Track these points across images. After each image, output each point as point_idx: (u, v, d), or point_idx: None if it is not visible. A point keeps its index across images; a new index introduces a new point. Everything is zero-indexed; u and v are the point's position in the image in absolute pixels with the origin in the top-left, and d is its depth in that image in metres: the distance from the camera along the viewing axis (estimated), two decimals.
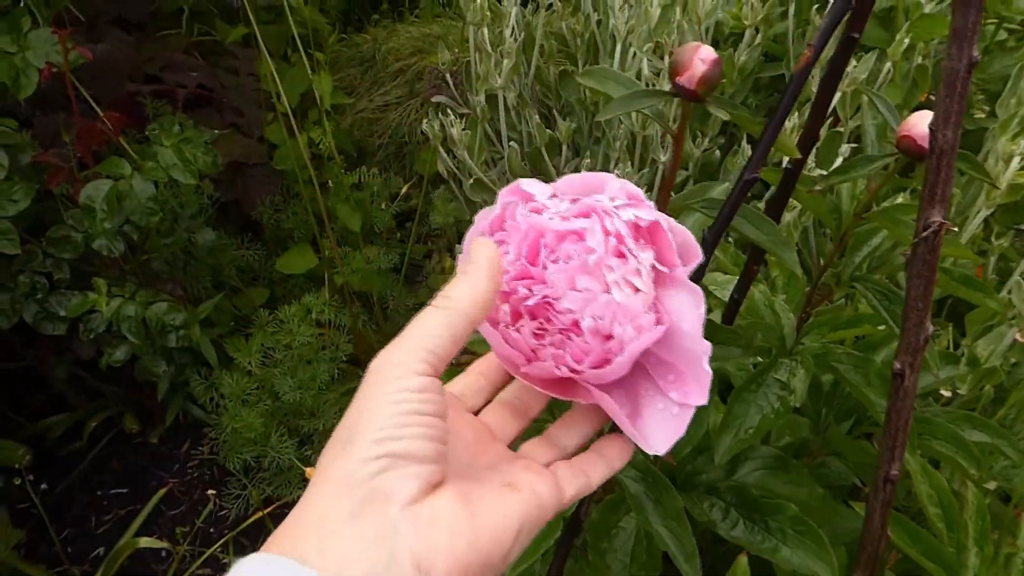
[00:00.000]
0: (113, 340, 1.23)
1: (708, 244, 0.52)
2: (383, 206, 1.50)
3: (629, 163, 1.30)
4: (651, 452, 0.36)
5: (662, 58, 1.26)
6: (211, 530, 1.31)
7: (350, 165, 1.57)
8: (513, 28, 1.33)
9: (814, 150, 1.10)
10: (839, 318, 0.75)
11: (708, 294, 0.76)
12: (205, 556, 1.22)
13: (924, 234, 0.45)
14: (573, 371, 0.35)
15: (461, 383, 0.39)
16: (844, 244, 0.66)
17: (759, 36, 1.28)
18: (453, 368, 0.35)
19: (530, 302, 0.34)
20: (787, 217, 1.07)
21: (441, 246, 1.68)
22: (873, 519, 0.54)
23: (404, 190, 1.62)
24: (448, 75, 1.51)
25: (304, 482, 1.27)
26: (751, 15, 1.24)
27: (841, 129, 1.15)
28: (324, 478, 0.29)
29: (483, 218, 0.37)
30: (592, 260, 0.33)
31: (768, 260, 0.85)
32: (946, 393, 0.87)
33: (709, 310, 0.68)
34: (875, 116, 0.65)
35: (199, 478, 1.39)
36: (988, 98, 1.33)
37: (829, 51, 0.61)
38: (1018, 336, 0.88)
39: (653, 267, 0.35)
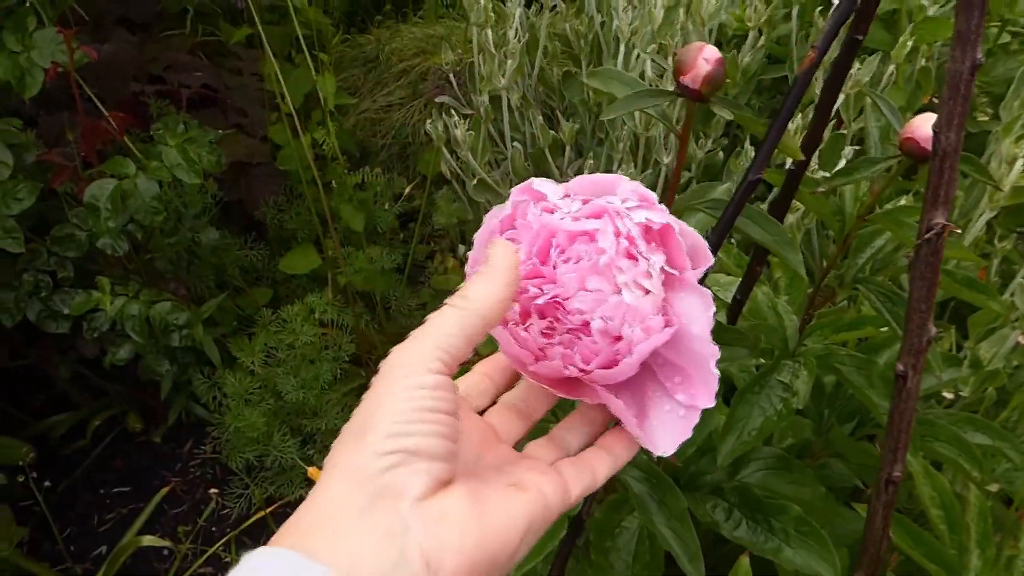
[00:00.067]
0: (117, 339, 1.23)
1: (711, 245, 0.52)
2: (386, 206, 1.50)
3: (632, 164, 1.30)
4: (657, 453, 0.36)
5: (666, 59, 1.26)
6: (213, 529, 1.31)
7: (353, 165, 1.57)
8: (517, 29, 1.33)
9: (817, 152, 1.10)
10: (842, 320, 0.75)
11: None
12: (207, 555, 1.23)
13: (927, 236, 0.45)
14: (581, 371, 0.35)
15: (466, 383, 0.39)
16: (847, 246, 0.66)
17: (762, 38, 1.28)
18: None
19: (540, 301, 0.35)
20: (790, 219, 1.07)
21: (444, 247, 1.68)
22: (875, 520, 0.54)
23: (407, 190, 1.62)
24: (452, 76, 1.51)
25: (306, 481, 1.27)
26: (754, 17, 1.24)
27: (844, 131, 1.15)
28: (335, 472, 0.29)
29: (494, 216, 0.38)
30: (603, 261, 0.34)
31: (771, 261, 0.85)
32: (948, 395, 0.87)
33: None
34: (878, 118, 0.66)
35: (201, 477, 1.39)
36: (992, 101, 1.33)
37: (833, 53, 0.61)
38: (1021, 339, 0.88)
39: (663, 269, 0.35)
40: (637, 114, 1.24)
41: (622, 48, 1.30)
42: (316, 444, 1.30)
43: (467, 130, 1.31)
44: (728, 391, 0.80)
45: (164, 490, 1.33)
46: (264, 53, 1.30)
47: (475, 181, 1.35)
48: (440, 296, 1.52)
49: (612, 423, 0.39)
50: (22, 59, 1.09)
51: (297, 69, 1.53)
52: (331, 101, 1.38)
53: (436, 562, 0.28)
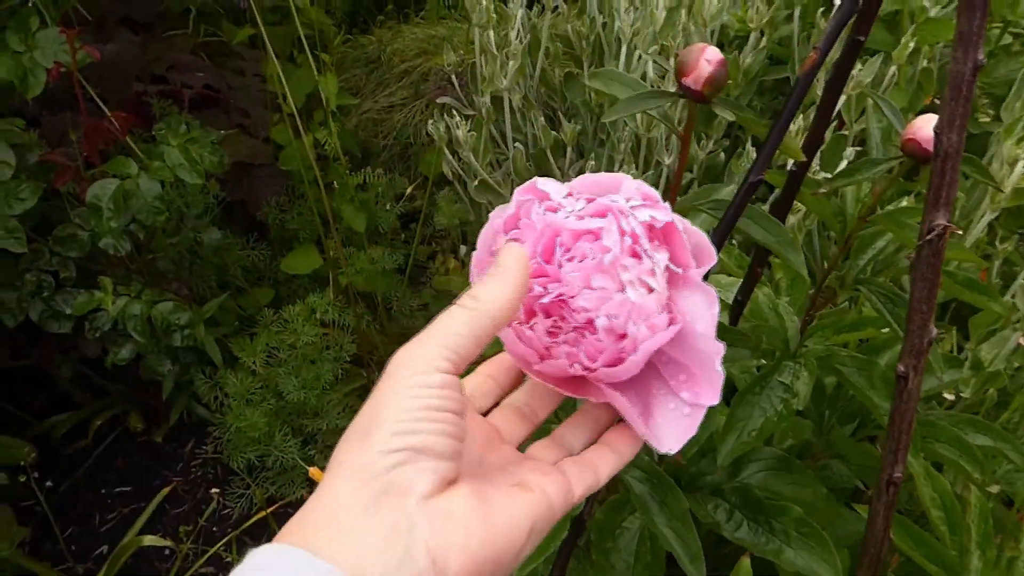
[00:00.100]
0: (119, 339, 1.23)
1: (713, 246, 0.53)
2: (388, 207, 1.51)
3: (634, 165, 1.30)
4: (663, 451, 0.36)
5: (668, 60, 1.26)
6: (214, 529, 1.31)
7: (355, 166, 1.58)
8: (519, 30, 1.34)
9: (819, 153, 1.10)
10: (843, 321, 0.75)
11: None
12: (208, 555, 1.23)
13: (928, 237, 0.45)
14: (587, 369, 0.35)
15: (469, 384, 0.39)
16: (848, 247, 0.66)
17: (764, 39, 1.28)
18: None
19: (545, 300, 0.35)
20: (791, 220, 1.07)
21: (445, 247, 1.68)
22: (876, 521, 0.54)
23: (409, 191, 1.62)
24: (453, 76, 1.51)
25: (307, 481, 1.27)
26: (756, 18, 1.24)
27: (846, 132, 1.15)
28: (339, 471, 0.29)
29: (498, 216, 0.38)
30: (608, 259, 0.34)
31: (772, 263, 0.85)
32: (949, 397, 0.87)
33: None
34: (880, 119, 0.66)
35: (203, 477, 1.39)
36: (993, 102, 1.33)
37: (834, 54, 0.61)
38: (1022, 340, 0.88)
39: (667, 268, 0.35)
40: (639, 115, 1.25)
41: (624, 49, 1.30)
42: (317, 444, 1.30)
43: (469, 131, 1.31)
44: (729, 392, 0.80)
45: (165, 490, 1.33)
46: (266, 53, 1.30)
47: (477, 182, 1.35)
48: (441, 296, 1.52)
49: (615, 422, 0.39)
50: (25, 59, 1.09)
51: (299, 69, 1.53)
52: (333, 101, 1.38)
53: (442, 560, 0.28)
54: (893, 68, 1.17)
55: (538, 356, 0.36)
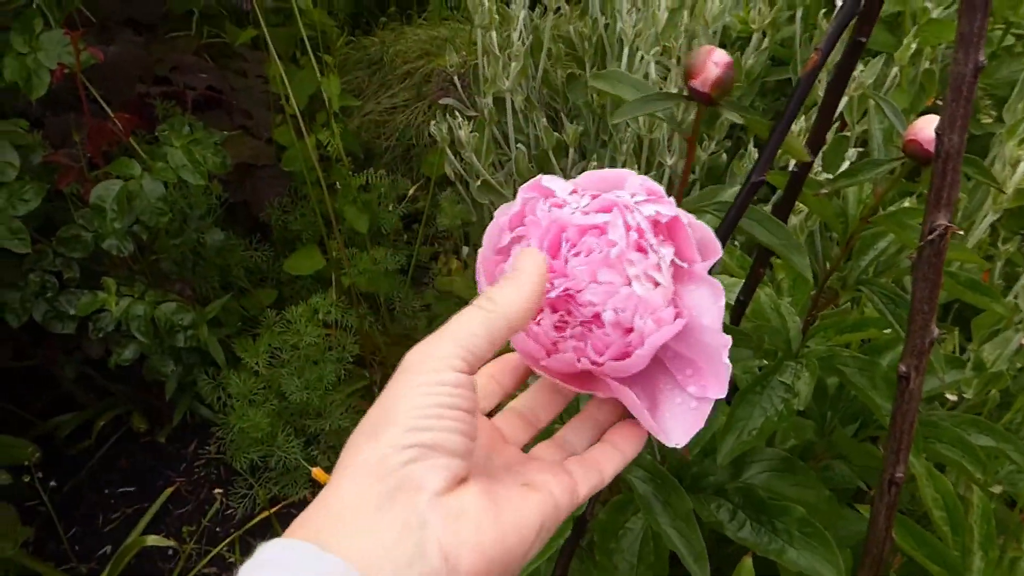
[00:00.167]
0: (122, 339, 1.24)
1: None
2: (390, 208, 1.51)
3: (636, 166, 1.30)
4: (670, 445, 0.36)
5: (671, 60, 1.26)
6: (217, 529, 1.32)
7: (358, 167, 1.58)
8: (521, 31, 1.34)
9: (820, 154, 1.10)
10: (845, 321, 0.75)
11: None
12: (211, 555, 1.23)
13: (930, 238, 0.45)
14: (594, 363, 0.35)
15: None
16: (850, 247, 0.66)
17: (766, 40, 1.28)
18: None
19: (552, 295, 0.35)
20: (793, 220, 1.07)
21: (448, 248, 1.69)
22: (878, 522, 0.54)
23: (411, 192, 1.63)
24: (456, 78, 1.51)
25: (310, 482, 1.27)
26: (758, 19, 1.24)
27: (848, 133, 1.15)
28: (351, 465, 0.29)
29: (503, 213, 0.38)
30: (614, 253, 0.34)
31: (774, 263, 0.85)
32: (952, 397, 0.87)
33: None
34: (882, 120, 0.66)
35: (206, 477, 1.39)
36: (996, 103, 1.33)
37: (836, 55, 0.61)
38: None
39: (673, 262, 0.36)
40: (641, 116, 1.25)
41: (626, 50, 1.31)
42: (320, 445, 1.30)
43: (471, 132, 1.31)
44: (730, 392, 0.80)
45: (169, 490, 1.33)
46: (269, 55, 1.31)
47: (479, 183, 1.36)
48: (444, 297, 1.52)
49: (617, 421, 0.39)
50: (29, 60, 1.09)
51: (302, 71, 1.53)
52: (336, 103, 1.38)
53: (454, 558, 0.28)
54: (895, 69, 1.17)
55: (545, 351, 0.36)
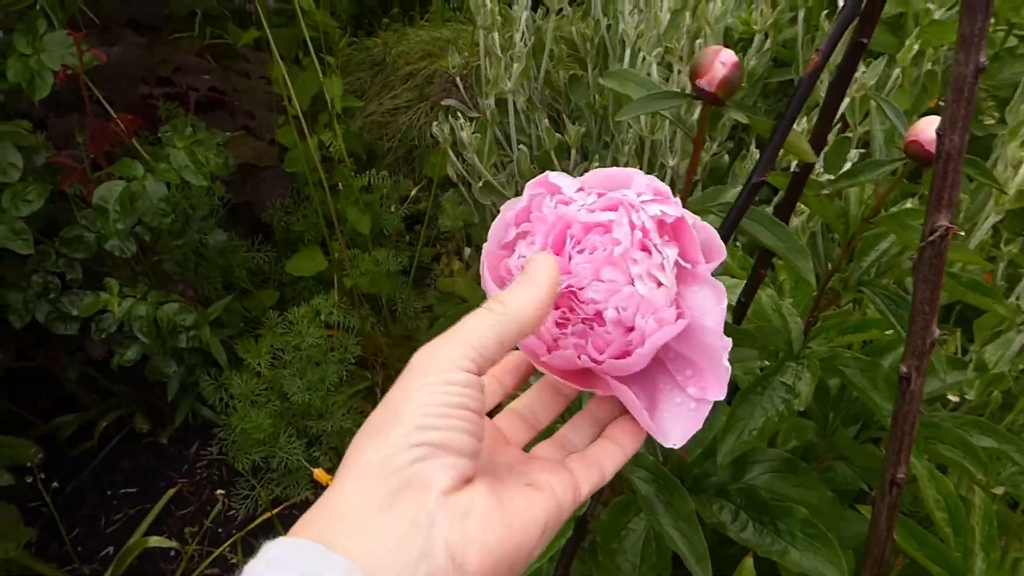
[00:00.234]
0: (124, 340, 1.24)
1: None
2: (392, 209, 1.51)
3: (638, 168, 1.30)
4: (668, 445, 0.36)
5: (676, 59, 1.26)
6: (219, 530, 1.32)
7: (360, 168, 1.58)
8: (523, 32, 1.34)
9: (822, 155, 1.10)
10: (846, 322, 0.75)
11: None
12: (213, 556, 1.23)
13: (931, 238, 0.45)
14: (594, 361, 0.35)
15: None
16: (852, 248, 0.66)
17: (768, 41, 1.28)
18: None
19: None
20: (795, 221, 1.07)
21: (450, 249, 1.69)
22: (879, 523, 0.54)
23: (413, 193, 1.63)
24: (458, 79, 1.51)
25: (312, 483, 1.28)
26: (760, 20, 1.24)
27: (849, 134, 1.15)
28: (354, 465, 0.29)
29: (509, 208, 0.38)
30: (618, 251, 0.34)
31: (775, 264, 0.86)
32: (954, 398, 0.87)
33: None
34: (883, 121, 0.66)
35: (208, 478, 1.39)
36: (998, 104, 1.33)
37: (838, 56, 0.61)
38: None
39: (677, 263, 0.36)
40: (643, 117, 1.25)
41: (628, 51, 1.31)
42: (322, 446, 1.30)
43: (473, 133, 1.31)
44: (731, 393, 0.80)
45: (171, 491, 1.33)
46: (272, 56, 1.31)
47: (481, 183, 1.36)
48: (446, 299, 1.52)
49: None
50: (32, 61, 1.10)
51: (304, 72, 1.54)
52: (338, 104, 1.38)
53: (460, 557, 0.28)
54: (897, 70, 1.17)
55: (546, 348, 0.36)
